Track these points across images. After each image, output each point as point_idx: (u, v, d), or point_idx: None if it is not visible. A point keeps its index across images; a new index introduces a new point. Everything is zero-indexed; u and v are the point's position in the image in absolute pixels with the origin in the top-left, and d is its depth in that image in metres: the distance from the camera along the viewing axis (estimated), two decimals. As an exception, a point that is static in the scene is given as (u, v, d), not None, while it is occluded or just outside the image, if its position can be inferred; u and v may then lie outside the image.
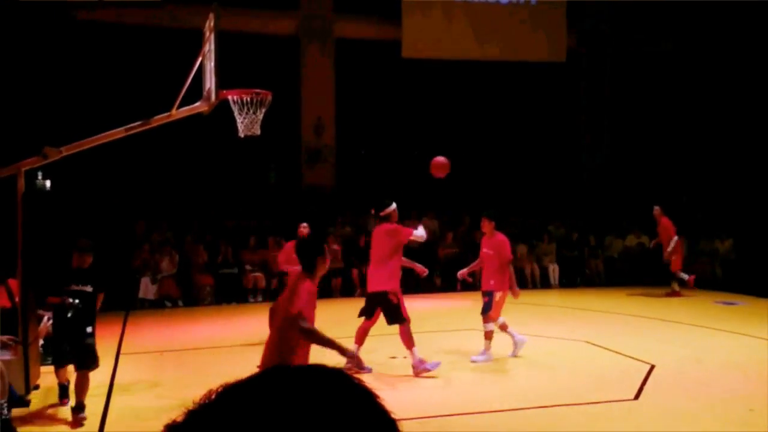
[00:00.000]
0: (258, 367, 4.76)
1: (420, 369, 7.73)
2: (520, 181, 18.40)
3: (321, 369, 0.86)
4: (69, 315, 6.33)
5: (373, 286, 8.04)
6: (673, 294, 13.69)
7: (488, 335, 8.48)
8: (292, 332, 4.47)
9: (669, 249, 13.62)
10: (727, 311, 12.20)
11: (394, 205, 8.15)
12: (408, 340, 7.80)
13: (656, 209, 13.79)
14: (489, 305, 8.44)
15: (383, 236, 8.07)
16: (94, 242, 6.82)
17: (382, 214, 8.16)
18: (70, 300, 6.32)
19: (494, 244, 8.53)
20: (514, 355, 8.58)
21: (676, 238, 13.61)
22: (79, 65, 15.16)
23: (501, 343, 8.63)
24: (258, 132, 7.45)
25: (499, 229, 8.73)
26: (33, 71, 14.25)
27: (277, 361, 4.35)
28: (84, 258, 6.56)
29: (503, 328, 8.62)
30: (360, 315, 8.17)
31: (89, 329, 6.49)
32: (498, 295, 8.45)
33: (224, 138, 8.01)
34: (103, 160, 12.37)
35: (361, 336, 8.07)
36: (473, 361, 8.38)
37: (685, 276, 13.73)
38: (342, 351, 4.75)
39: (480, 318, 8.58)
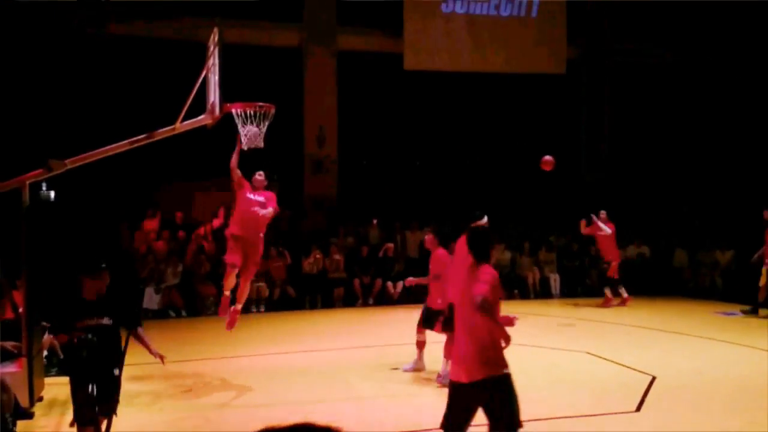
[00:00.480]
0: (453, 357, 4.76)
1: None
2: (522, 191, 18.45)
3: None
4: (84, 354, 5.27)
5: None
6: (607, 303, 13.95)
7: (420, 344, 8.59)
8: (483, 318, 4.47)
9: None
10: (728, 322, 12.22)
11: (485, 218, 7.81)
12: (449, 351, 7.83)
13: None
14: (431, 321, 8.33)
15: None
16: (101, 252, 6.54)
17: (472, 225, 7.97)
18: (82, 336, 5.25)
19: (433, 259, 8.44)
20: (411, 368, 8.61)
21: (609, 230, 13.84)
22: (83, 78, 15.25)
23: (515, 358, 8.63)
24: (261, 145, 7.57)
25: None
26: (36, 84, 14.34)
27: (493, 345, 4.50)
28: (98, 284, 5.50)
29: (420, 345, 8.59)
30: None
31: (116, 371, 5.38)
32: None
33: (227, 149, 8.09)
34: (108, 170, 12.45)
35: (448, 349, 7.82)
36: (404, 370, 8.55)
37: (624, 294, 13.98)
38: (507, 340, 4.66)
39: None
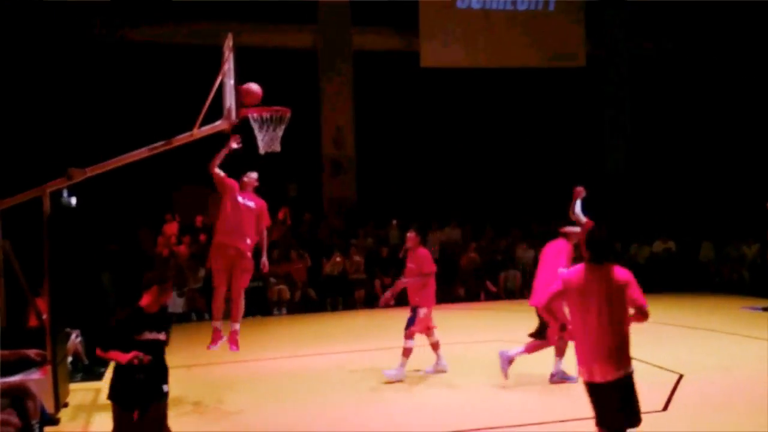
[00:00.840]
0: (582, 357, 4.83)
1: (557, 379, 7.81)
2: (543, 188, 18.31)
3: None
4: (141, 377, 4.82)
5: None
6: None
7: (405, 352, 8.20)
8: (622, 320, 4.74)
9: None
10: (755, 317, 12.01)
11: (578, 228, 7.74)
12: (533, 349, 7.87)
13: None
14: (412, 320, 8.24)
15: (556, 253, 7.81)
16: (121, 257, 6.43)
17: (562, 231, 7.99)
18: (140, 356, 4.76)
19: (416, 258, 8.30)
20: (432, 371, 8.45)
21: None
22: (101, 85, 15.38)
23: (543, 356, 8.53)
24: (278, 149, 7.53)
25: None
26: (56, 93, 14.48)
27: (623, 346, 4.71)
28: (166, 295, 5.11)
29: (434, 347, 8.48)
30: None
31: (165, 388, 5.01)
32: (423, 312, 8.22)
33: (244, 153, 8.06)
34: (128, 175, 12.53)
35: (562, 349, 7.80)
36: (386, 376, 8.17)
37: None
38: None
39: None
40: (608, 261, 4.83)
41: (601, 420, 4.80)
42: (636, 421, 4.71)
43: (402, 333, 8.27)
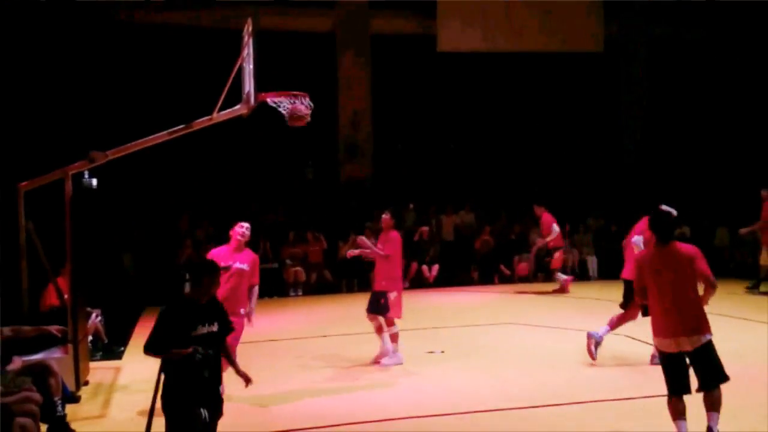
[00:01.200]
0: (660, 330, 5.37)
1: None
2: (558, 173, 18.29)
3: None
4: (206, 375, 4.47)
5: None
6: (561, 290, 13.61)
7: (393, 338, 8.22)
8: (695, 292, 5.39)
9: (547, 239, 13.64)
10: (764, 302, 11.98)
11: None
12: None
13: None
14: (386, 307, 8.15)
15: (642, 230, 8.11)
16: (143, 238, 6.18)
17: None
18: (201, 350, 4.42)
19: (385, 239, 8.29)
20: (376, 362, 8.23)
21: (557, 229, 13.56)
22: (121, 68, 15.51)
23: (550, 338, 8.60)
24: (308, 117, 7.35)
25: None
26: (77, 77, 14.62)
27: (699, 314, 5.34)
28: (214, 285, 4.74)
29: (378, 330, 8.29)
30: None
31: (221, 387, 4.78)
32: (392, 296, 8.15)
33: (262, 135, 8.12)
34: (148, 157, 12.69)
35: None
36: (384, 365, 8.15)
37: (563, 276, 13.72)
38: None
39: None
40: (672, 240, 5.40)
41: (682, 387, 5.26)
42: (723, 377, 5.27)
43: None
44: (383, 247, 8.28)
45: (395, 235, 8.39)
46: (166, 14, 16.10)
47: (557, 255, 13.90)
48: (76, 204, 7.51)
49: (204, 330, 4.53)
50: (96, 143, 7.57)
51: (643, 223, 7.97)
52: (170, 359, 4.49)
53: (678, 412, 5.26)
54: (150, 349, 4.53)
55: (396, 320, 8.32)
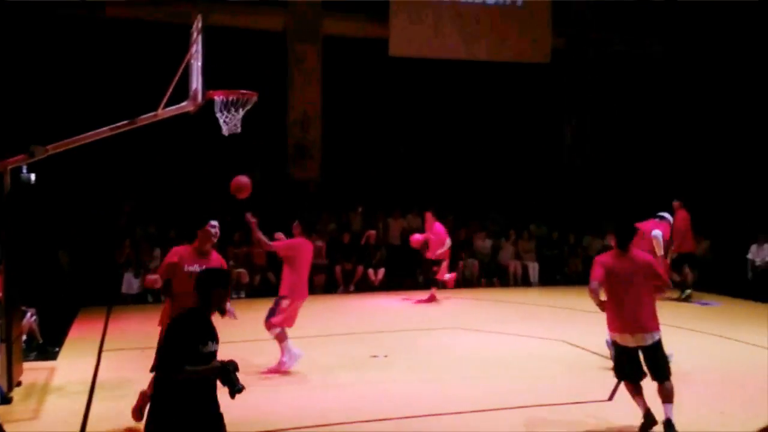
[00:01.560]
0: (615, 325, 6.07)
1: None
2: (503, 179, 18.55)
3: None
4: (240, 387, 4.00)
5: None
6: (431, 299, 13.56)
7: (280, 338, 8.07)
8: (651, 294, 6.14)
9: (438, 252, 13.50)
10: (703, 312, 12.43)
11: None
12: None
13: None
14: (273, 311, 8.03)
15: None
16: (80, 236, 5.94)
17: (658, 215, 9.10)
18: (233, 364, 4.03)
19: (290, 244, 8.27)
20: (281, 371, 7.99)
21: (449, 242, 13.60)
22: (64, 62, 15.11)
23: (492, 342, 8.69)
24: (239, 130, 7.45)
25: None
26: (18, 69, 14.19)
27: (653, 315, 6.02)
28: (224, 298, 4.24)
29: (279, 338, 8.05)
30: None
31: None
32: (285, 303, 8.04)
33: (209, 135, 8.00)
34: (89, 153, 12.39)
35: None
36: (289, 367, 8.02)
37: (446, 276, 13.62)
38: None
39: None
40: (628, 248, 6.12)
41: (622, 372, 6.10)
42: (666, 375, 5.92)
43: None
44: (281, 247, 8.18)
45: (296, 241, 8.25)
46: (112, 9, 15.74)
47: (444, 265, 13.70)
48: (13, 199, 7.28)
49: (211, 348, 4.05)
50: (36, 137, 7.33)
51: (651, 223, 8.86)
52: (188, 378, 3.87)
53: (636, 389, 6.03)
54: (168, 369, 3.91)
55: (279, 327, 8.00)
